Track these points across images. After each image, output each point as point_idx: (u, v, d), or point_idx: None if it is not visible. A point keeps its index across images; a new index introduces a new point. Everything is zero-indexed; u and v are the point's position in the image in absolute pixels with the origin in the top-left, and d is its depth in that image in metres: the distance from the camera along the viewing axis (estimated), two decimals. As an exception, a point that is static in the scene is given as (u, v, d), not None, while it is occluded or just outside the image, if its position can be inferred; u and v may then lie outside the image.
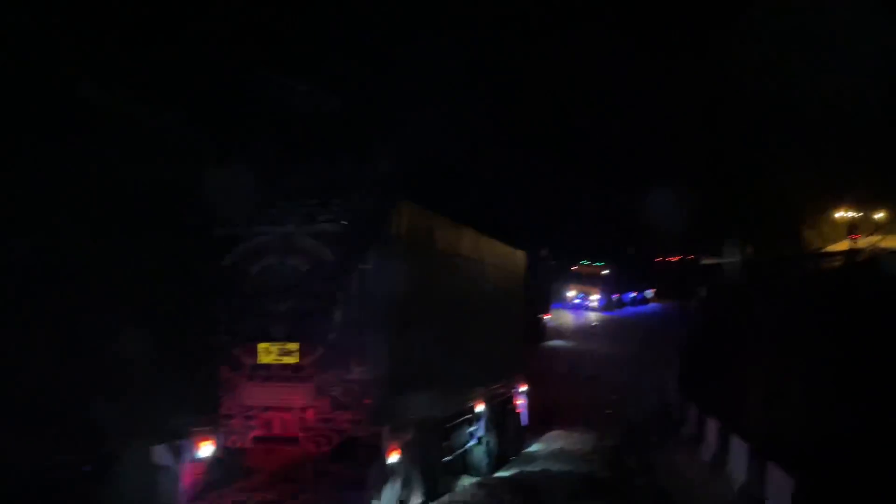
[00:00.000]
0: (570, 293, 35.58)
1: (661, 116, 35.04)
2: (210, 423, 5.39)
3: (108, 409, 4.25)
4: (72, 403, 4.01)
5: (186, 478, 5.40)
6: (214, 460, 5.98)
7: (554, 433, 13.72)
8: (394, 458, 7.29)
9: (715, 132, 33.57)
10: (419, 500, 7.93)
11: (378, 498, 7.37)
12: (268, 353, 7.53)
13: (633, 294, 39.27)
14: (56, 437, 3.98)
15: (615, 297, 36.67)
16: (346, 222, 7.52)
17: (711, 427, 10.78)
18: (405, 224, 7.83)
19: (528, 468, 10.40)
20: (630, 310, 37.27)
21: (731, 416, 9.99)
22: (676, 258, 46.13)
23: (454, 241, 9.52)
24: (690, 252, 41.62)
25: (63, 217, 4.00)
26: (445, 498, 7.55)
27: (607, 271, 36.32)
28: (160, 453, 4.91)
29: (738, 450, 9.04)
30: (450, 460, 9.17)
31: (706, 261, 33.84)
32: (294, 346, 7.49)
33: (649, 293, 40.86)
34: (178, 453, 5.06)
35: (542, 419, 13.86)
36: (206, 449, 5.34)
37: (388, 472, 7.44)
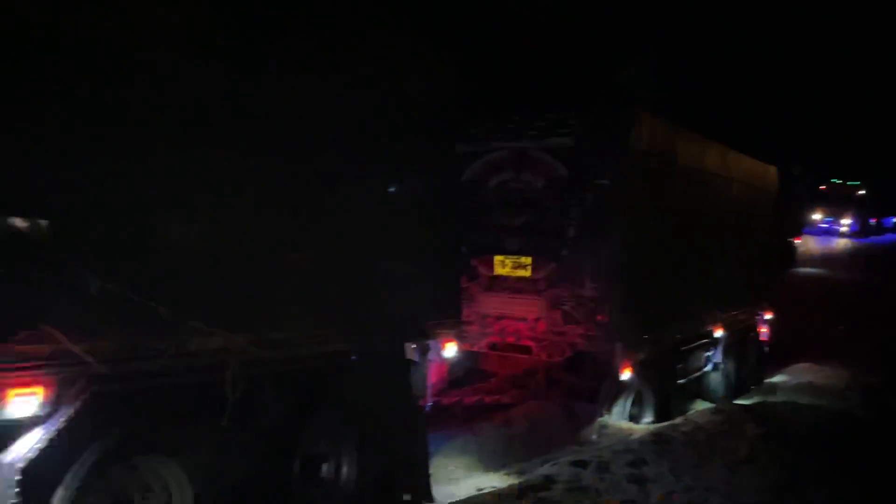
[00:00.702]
0: (816, 216, 31.40)
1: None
2: (453, 326, 5.76)
3: (372, 310, 4.72)
4: (341, 305, 4.53)
5: (432, 374, 5.90)
6: (456, 361, 6.44)
7: (802, 366, 12.63)
8: (626, 375, 7.27)
9: None
10: (650, 419, 7.87)
11: (608, 412, 7.46)
12: (503, 265, 7.83)
13: (896, 219, 33.79)
14: (335, 332, 4.53)
15: (872, 221, 31.82)
16: (581, 136, 7.39)
17: None
18: (645, 137, 7.48)
19: (771, 399, 9.76)
20: (891, 237, 32.17)
21: None
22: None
23: (698, 155, 8.91)
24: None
25: (319, 133, 4.38)
26: (678, 419, 7.40)
27: (863, 192, 31.45)
28: (411, 350, 5.37)
29: None
30: (684, 383, 8.93)
31: None
32: (527, 259, 7.68)
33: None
34: (425, 352, 5.50)
35: (789, 351, 12.82)
36: (449, 350, 5.74)
37: (619, 389, 7.47)
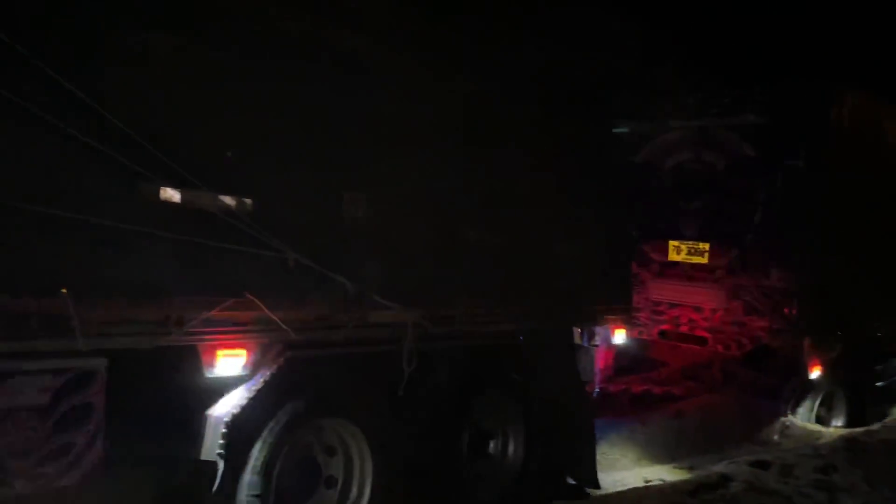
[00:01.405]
0: None
1: None
2: (623, 312, 5.60)
3: (542, 292, 4.71)
4: (513, 286, 4.56)
5: (600, 360, 5.78)
6: (624, 348, 6.28)
7: None
8: (815, 374, 6.68)
9: None
10: (841, 423, 7.19)
11: (793, 412, 6.92)
12: (677, 251, 7.47)
13: None
14: (504, 312, 4.57)
15: None
16: (773, 114, 6.82)
17: None
18: (846, 115, 6.75)
19: None
20: None
21: None
22: None
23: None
24: None
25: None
26: (876, 426, 6.69)
27: None
28: (579, 335, 5.30)
29: None
30: (883, 386, 8.03)
31: None
32: (705, 245, 7.28)
33: None
34: (593, 337, 5.40)
35: None
36: (618, 336, 5.59)
37: (806, 388, 6.89)
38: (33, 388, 2.78)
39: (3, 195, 2.57)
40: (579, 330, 5.36)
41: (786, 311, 6.68)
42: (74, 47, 2.79)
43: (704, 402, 7.11)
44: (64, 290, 2.64)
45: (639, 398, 7.36)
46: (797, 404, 6.94)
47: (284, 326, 3.33)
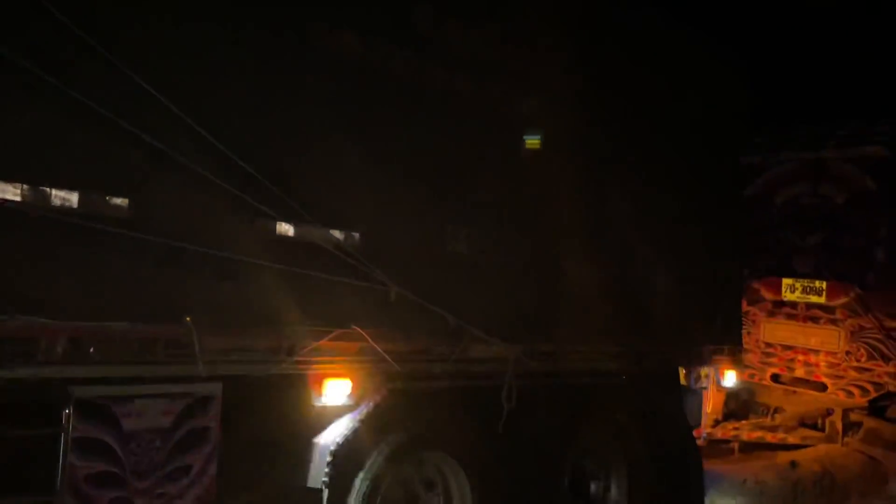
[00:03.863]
0: None
1: None
2: (732, 353, 5.34)
3: (647, 330, 4.57)
4: (617, 323, 4.44)
5: (708, 403, 5.52)
6: (734, 392, 5.97)
7: None
8: (951, 426, 6.10)
9: None
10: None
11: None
12: (791, 289, 7.10)
13: None
14: (607, 350, 4.48)
15: None
16: (894, 146, 6.41)
17: None
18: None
19: None
20: None
21: None
22: None
23: None
24: None
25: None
26: None
27: None
28: (685, 375, 5.08)
29: None
30: None
31: None
32: (822, 283, 6.88)
33: None
34: (699, 378, 5.17)
35: None
36: (727, 379, 5.33)
37: (940, 440, 6.30)
38: (157, 411, 2.93)
39: (139, 229, 2.76)
40: (686, 371, 5.15)
41: (916, 355, 6.17)
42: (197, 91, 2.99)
43: (824, 452, 6.64)
44: (188, 318, 2.80)
45: (750, 446, 6.95)
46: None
47: (387, 357, 3.38)
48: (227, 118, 3.03)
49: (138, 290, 2.80)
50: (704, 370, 5.23)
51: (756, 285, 7.22)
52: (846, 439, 6.76)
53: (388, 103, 3.53)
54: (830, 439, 6.83)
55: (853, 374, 6.62)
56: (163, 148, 2.78)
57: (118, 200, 2.77)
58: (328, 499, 3.31)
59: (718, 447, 6.79)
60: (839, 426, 6.86)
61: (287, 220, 3.17)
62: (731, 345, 5.35)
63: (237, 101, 3.08)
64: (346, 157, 3.40)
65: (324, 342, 3.20)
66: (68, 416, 2.69)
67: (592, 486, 4.68)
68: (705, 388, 5.31)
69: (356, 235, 3.43)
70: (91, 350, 2.68)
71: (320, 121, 3.33)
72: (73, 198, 2.67)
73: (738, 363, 5.40)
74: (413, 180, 3.63)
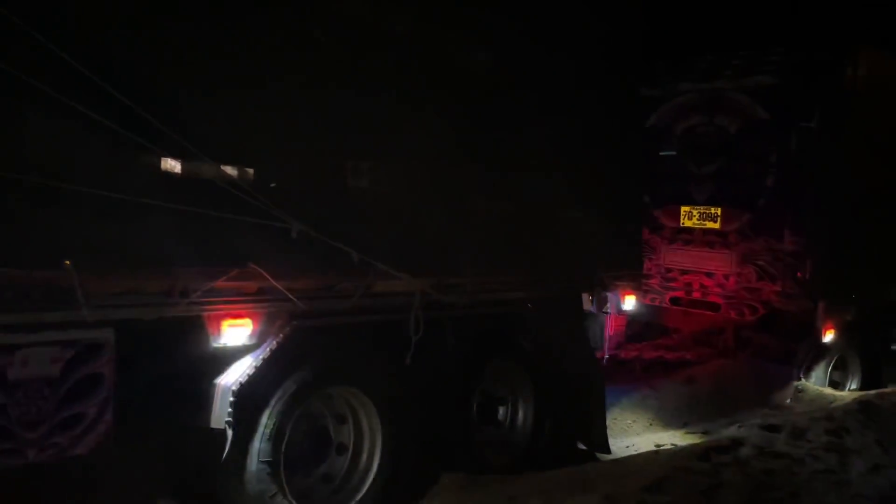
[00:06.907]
0: None
1: None
2: (633, 279, 5.57)
3: (550, 259, 4.68)
4: (520, 253, 4.54)
5: (611, 327, 5.78)
6: (635, 315, 6.26)
7: None
8: (828, 337, 6.63)
9: None
10: (855, 387, 7.15)
11: (806, 376, 6.88)
12: (689, 216, 7.40)
13: None
14: (512, 280, 4.60)
15: None
16: (786, 74, 6.68)
17: None
18: (862, 75, 6.59)
19: None
20: None
21: None
22: None
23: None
24: None
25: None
26: (889, 389, 6.65)
27: None
28: (589, 301, 5.27)
29: None
30: (898, 349, 7.97)
31: None
32: (717, 210, 7.20)
33: None
34: (603, 303, 5.37)
35: None
36: (629, 303, 5.57)
37: (820, 352, 6.84)
38: (44, 360, 2.81)
39: (4, 168, 2.57)
40: (589, 297, 5.34)
41: (799, 275, 6.61)
42: (74, 18, 2.77)
43: (717, 367, 7.10)
44: (67, 263, 2.65)
45: (651, 365, 7.36)
46: (810, 368, 6.90)
47: (290, 296, 3.33)
48: (105, 48, 2.83)
49: (9, 233, 2.62)
50: (606, 296, 5.44)
51: (657, 213, 7.49)
52: (737, 355, 7.24)
53: (281, 33, 3.37)
54: (723, 354, 7.31)
55: (744, 294, 7.05)
56: (31, 80, 2.56)
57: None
58: (233, 438, 3.30)
59: (622, 367, 7.15)
60: (731, 343, 7.35)
61: (174, 156, 3.02)
62: (631, 271, 5.58)
63: (115, 27, 2.87)
64: (238, 90, 3.25)
65: (220, 283, 3.12)
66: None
67: (500, 411, 4.86)
68: (608, 312, 5.54)
69: (251, 171, 3.32)
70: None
71: (208, 50, 3.16)
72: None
73: (638, 288, 5.64)
74: (311, 115, 3.52)
